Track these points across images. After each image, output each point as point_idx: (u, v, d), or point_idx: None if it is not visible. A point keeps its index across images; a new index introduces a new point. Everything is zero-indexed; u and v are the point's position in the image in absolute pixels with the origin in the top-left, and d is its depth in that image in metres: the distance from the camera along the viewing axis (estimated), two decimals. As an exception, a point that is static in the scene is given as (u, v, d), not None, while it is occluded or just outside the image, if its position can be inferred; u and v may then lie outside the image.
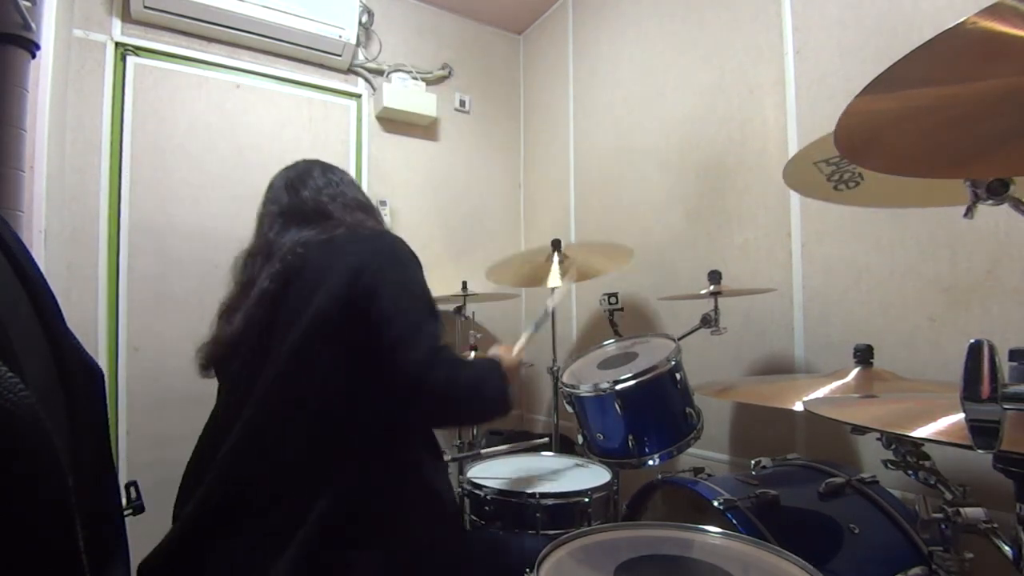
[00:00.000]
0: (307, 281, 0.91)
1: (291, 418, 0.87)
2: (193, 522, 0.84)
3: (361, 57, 2.43)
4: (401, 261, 0.95)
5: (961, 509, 0.71)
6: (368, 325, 0.86)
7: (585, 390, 1.28)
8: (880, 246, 1.36)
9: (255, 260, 1.00)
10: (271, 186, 1.10)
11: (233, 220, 2.08)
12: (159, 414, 1.90)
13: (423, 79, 2.52)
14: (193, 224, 2.02)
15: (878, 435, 0.76)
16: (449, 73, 2.65)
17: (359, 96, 2.43)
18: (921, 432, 0.62)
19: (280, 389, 0.87)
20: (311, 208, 1.03)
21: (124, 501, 0.83)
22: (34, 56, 1.19)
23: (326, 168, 1.12)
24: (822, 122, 1.50)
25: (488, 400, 0.94)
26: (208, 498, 0.84)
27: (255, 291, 0.94)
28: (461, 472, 1.42)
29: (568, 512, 1.20)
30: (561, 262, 1.66)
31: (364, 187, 2.37)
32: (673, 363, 1.25)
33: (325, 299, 0.88)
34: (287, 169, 1.11)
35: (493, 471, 1.39)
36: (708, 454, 1.72)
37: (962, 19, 0.47)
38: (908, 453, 0.79)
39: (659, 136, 2.02)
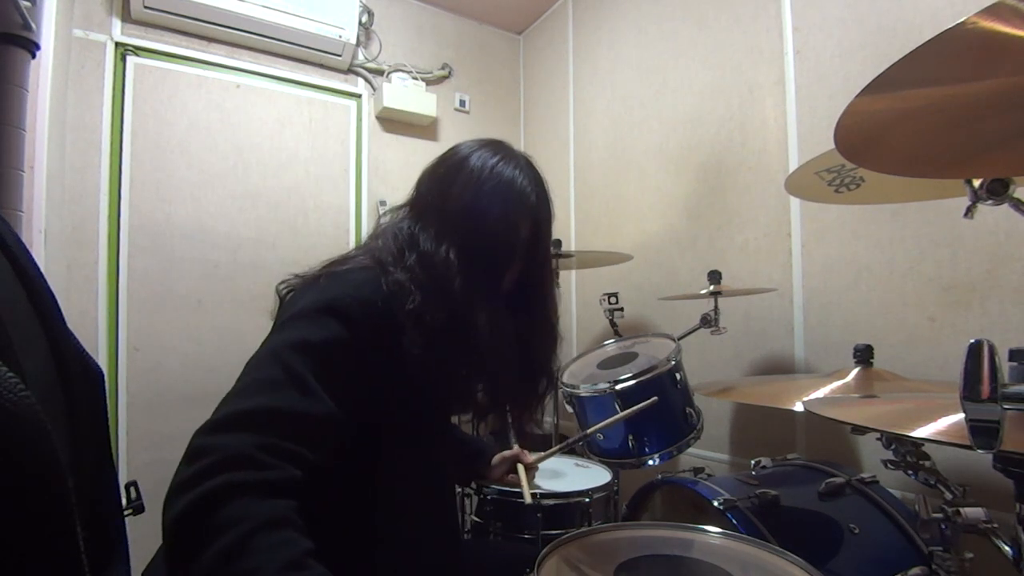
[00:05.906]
0: None
1: None
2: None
3: (361, 57, 2.43)
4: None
5: (961, 509, 0.71)
6: None
7: (585, 390, 1.28)
8: (880, 246, 1.36)
9: None
10: None
11: (233, 220, 2.08)
12: (159, 414, 1.90)
13: (423, 79, 2.52)
14: (193, 224, 2.02)
15: (878, 435, 0.76)
16: (449, 73, 2.65)
17: (359, 96, 2.43)
18: (921, 432, 0.62)
19: None
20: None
21: (124, 501, 0.83)
22: (34, 56, 1.20)
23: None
24: (822, 122, 1.50)
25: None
26: None
27: None
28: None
29: (568, 512, 1.20)
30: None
31: (364, 187, 2.39)
32: (673, 363, 1.24)
33: None
34: None
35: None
36: (708, 454, 1.72)
37: (962, 19, 0.47)
38: (908, 453, 0.79)
39: (659, 136, 2.02)
